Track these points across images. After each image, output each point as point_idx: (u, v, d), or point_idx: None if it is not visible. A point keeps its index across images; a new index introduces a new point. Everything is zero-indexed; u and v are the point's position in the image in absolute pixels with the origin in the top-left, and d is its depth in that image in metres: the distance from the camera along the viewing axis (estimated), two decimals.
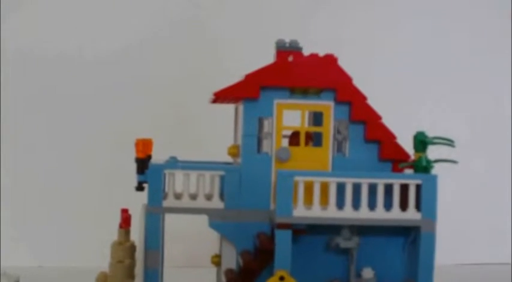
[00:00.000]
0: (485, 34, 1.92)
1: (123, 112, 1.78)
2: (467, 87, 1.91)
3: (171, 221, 1.16)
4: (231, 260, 1.13)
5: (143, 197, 1.11)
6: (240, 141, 1.14)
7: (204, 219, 1.11)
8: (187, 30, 1.81)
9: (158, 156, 1.16)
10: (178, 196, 1.10)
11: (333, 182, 1.08)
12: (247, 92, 1.10)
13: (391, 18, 1.89)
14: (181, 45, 1.81)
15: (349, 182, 1.07)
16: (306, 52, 1.15)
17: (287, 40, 1.16)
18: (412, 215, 1.09)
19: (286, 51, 1.14)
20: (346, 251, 1.13)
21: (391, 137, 1.13)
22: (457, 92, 1.91)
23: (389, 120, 1.13)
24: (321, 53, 1.13)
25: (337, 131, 1.13)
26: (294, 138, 1.14)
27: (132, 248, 1.14)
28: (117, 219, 1.15)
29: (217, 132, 1.52)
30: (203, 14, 1.83)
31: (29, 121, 1.77)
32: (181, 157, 1.17)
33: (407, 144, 1.13)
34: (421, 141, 1.11)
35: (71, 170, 1.78)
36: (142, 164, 1.10)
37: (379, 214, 1.08)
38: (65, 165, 1.78)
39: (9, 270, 1.37)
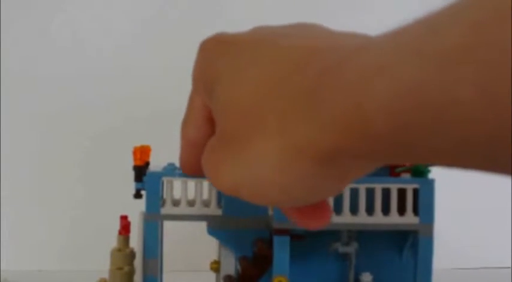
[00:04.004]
0: None
1: (122, 118, 1.78)
2: None
3: (170, 227, 1.16)
4: (230, 266, 1.13)
5: (143, 203, 1.11)
6: None
7: (203, 224, 1.12)
8: (186, 32, 1.81)
9: (156, 162, 1.16)
10: (176, 203, 1.10)
11: None
12: None
13: (392, 18, 1.89)
14: (181, 47, 1.80)
15: (346, 187, 1.08)
16: None
17: None
18: (410, 219, 1.09)
19: None
20: (344, 256, 1.14)
21: None
22: None
23: None
24: None
25: None
26: None
27: (132, 254, 1.13)
28: (116, 225, 1.15)
29: None
30: (202, 15, 1.82)
31: (29, 123, 1.77)
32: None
33: None
34: None
35: (71, 176, 1.78)
36: (140, 171, 1.10)
37: (377, 219, 1.09)
38: (65, 171, 1.78)
39: (9, 276, 1.37)
